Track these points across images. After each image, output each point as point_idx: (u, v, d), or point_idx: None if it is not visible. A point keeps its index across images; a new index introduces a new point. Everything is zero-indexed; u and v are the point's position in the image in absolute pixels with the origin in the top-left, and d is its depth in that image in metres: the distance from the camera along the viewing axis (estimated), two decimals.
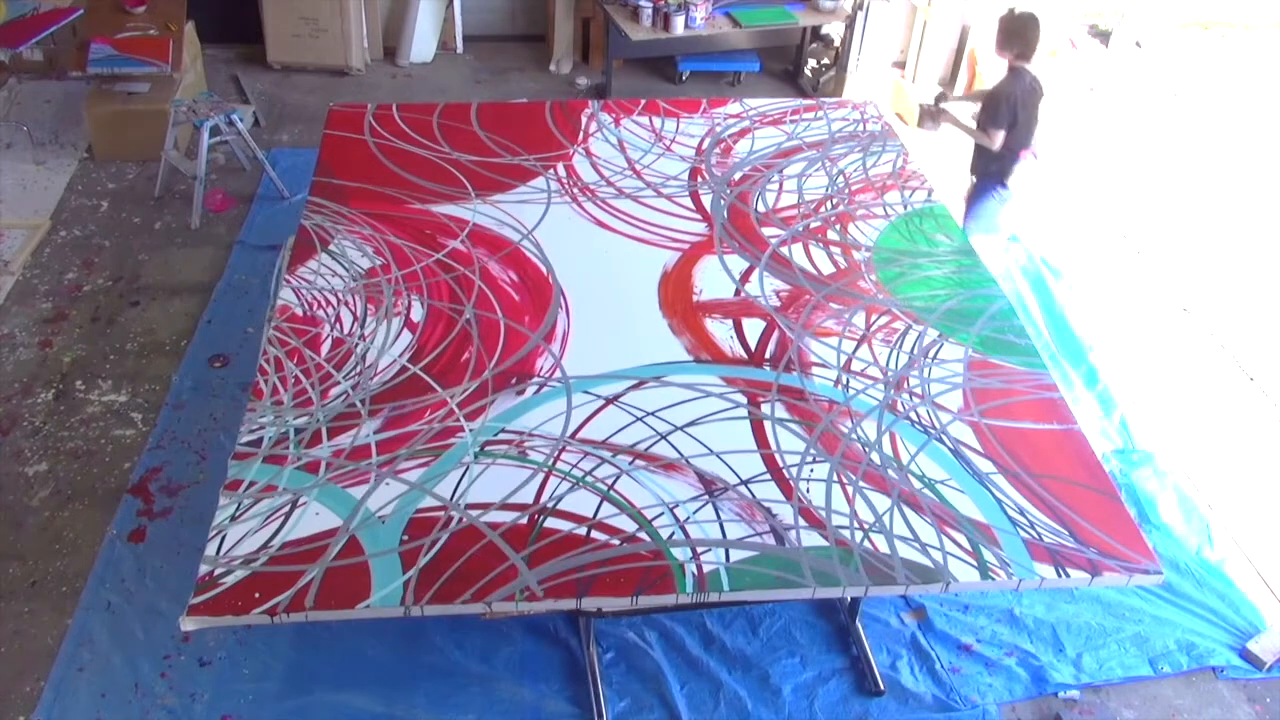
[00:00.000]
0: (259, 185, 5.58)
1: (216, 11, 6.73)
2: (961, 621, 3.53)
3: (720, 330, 3.38)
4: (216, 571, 2.49)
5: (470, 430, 2.93)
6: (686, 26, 6.41)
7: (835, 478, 2.86)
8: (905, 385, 3.21)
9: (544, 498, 2.74)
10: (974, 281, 3.71)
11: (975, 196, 4.78)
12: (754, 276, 3.65)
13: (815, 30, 7.08)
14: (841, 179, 4.24)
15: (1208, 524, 3.95)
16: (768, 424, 3.03)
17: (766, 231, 3.89)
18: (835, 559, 2.63)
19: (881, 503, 2.80)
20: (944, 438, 3.02)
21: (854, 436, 3.01)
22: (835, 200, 4.11)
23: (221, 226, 5.26)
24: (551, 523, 2.67)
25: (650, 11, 6.39)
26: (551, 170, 4.19)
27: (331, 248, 3.64)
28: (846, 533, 2.70)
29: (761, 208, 4.03)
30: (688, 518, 2.71)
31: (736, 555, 2.63)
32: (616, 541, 2.64)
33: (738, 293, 3.57)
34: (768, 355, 3.30)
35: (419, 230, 3.76)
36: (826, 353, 3.31)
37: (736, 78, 7.20)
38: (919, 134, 6.14)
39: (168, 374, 4.28)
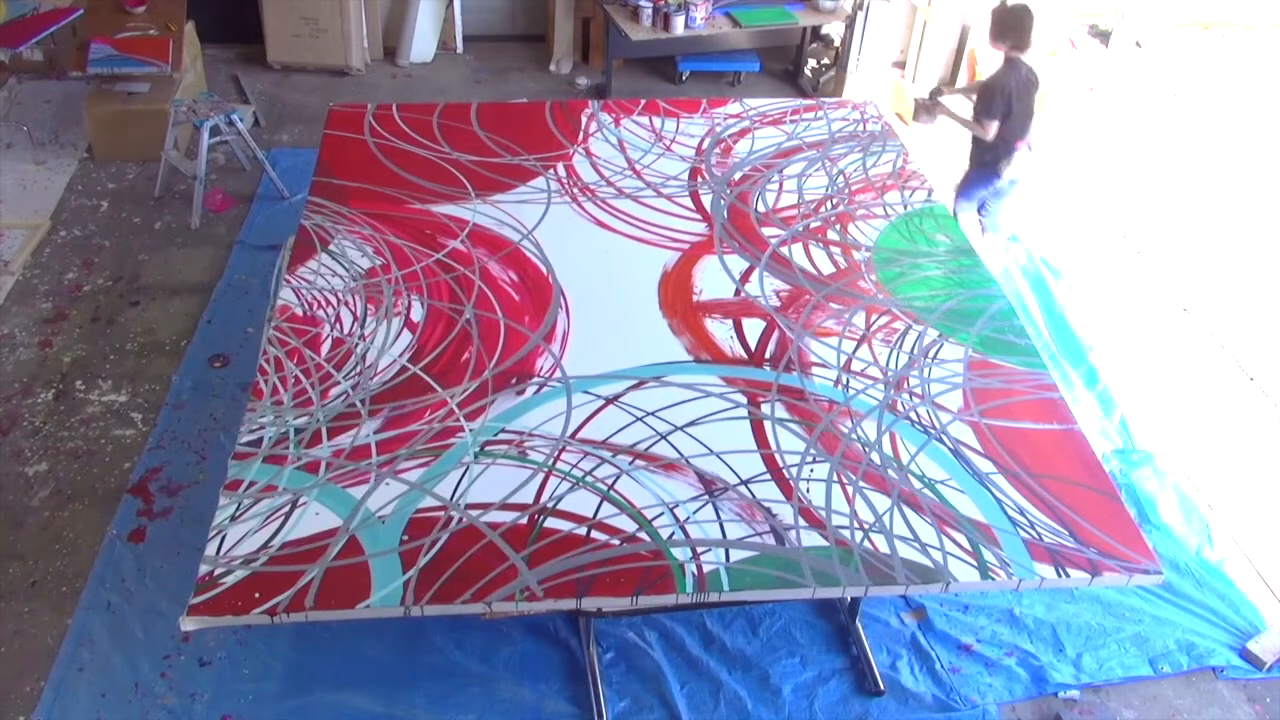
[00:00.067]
0: (259, 185, 5.58)
1: (216, 11, 6.73)
2: (961, 621, 3.53)
3: (720, 330, 3.38)
4: (216, 571, 2.49)
5: (470, 430, 2.93)
6: (686, 26, 6.41)
7: (835, 478, 2.86)
8: (905, 385, 3.21)
9: (544, 498, 2.74)
10: (974, 281, 3.71)
11: (966, 182, 4.85)
12: (754, 276, 3.65)
13: (815, 30, 7.08)
14: (841, 179, 4.24)
15: (1208, 524, 3.95)
16: (768, 424, 3.03)
17: (766, 231, 3.89)
18: (835, 559, 2.63)
19: (881, 503, 2.80)
20: (944, 438, 3.02)
21: (854, 436, 3.01)
22: (835, 200, 4.11)
23: (221, 226, 5.26)
24: (551, 523, 2.67)
25: (650, 11, 6.39)
26: (551, 170, 4.19)
27: (331, 248, 3.64)
28: (846, 533, 2.70)
29: (761, 208, 4.03)
30: (688, 518, 2.71)
31: (736, 555, 2.63)
32: (616, 541, 2.64)
33: (738, 293, 3.57)
34: (768, 355, 3.30)
35: (419, 230, 3.76)
36: (826, 353, 3.31)
37: (736, 78, 7.20)
38: (918, 132, 6.15)
39: (168, 374, 4.28)
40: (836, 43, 7.13)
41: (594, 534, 2.65)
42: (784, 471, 2.87)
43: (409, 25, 7.00)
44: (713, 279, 3.62)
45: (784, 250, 3.79)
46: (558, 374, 3.15)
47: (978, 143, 4.68)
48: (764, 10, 6.72)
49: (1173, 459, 4.24)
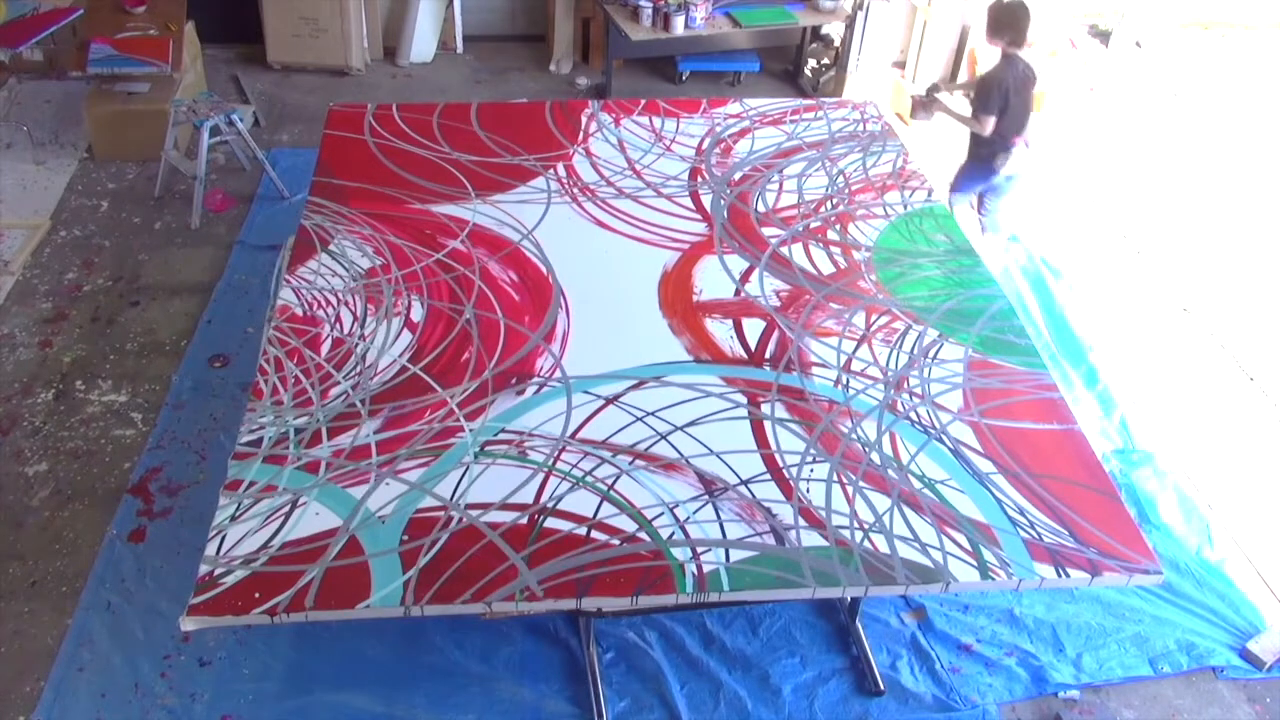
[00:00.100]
0: (259, 185, 5.58)
1: (216, 11, 6.73)
2: (961, 621, 3.53)
3: (720, 330, 3.38)
4: (216, 571, 2.49)
5: (470, 430, 2.93)
6: (686, 26, 6.41)
7: (835, 478, 2.86)
8: (905, 385, 3.21)
9: (544, 498, 2.74)
10: (974, 281, 3.71)
11: (961, 175, 4.87)
12: (754, 276, 3.65)
13: (815, 30, 7.08)
14: (841, 179, 4.24)
15: (1208, 524, 3.95)
16: (768, 424, 3.03)
17: (766, 231, 3.89)
18: (835, 559, 2.63)
19: (881, 503, 2.80)
20: (944, 438, 3.02)
21: (854, 436, 3.01)
22: (835, 200, 4.11)
23: (221, 226, 5.26)
24: (551, 523, 2.67)
25: (650, 11, 6.39)
26: (551, 170, 4.19)
27: (331, 248, 3.64)
28: (846, 533, 2.70)
29: (761, 208, 4.03)
30: (688, 518, 2.71)
31: (736, 555, 2.63)
32: (616, 541, 2.64)
33: (738, 293, 3.57)
34: (768, 355, 3.30)
35: (419, 230, 3.76)
36: (826, 353, 3.31)
37: (736, 78, 7.20)
38: (918, 132, 6.15)
39: (168, 374, 4.28)
40: (836, 43, 7.13)
41: (594, 534, 2.65)
42: (784, 471, 2.87)
43: (409, 25, 7.01)
44: (713, 279, 3.62)
45: (784, 250, 3.79)
46: (558, 374, 3.15)
47: (975, 137, 4.72)
48: (764, 10, 6.72)
49: (1173, 459, 4.24)
